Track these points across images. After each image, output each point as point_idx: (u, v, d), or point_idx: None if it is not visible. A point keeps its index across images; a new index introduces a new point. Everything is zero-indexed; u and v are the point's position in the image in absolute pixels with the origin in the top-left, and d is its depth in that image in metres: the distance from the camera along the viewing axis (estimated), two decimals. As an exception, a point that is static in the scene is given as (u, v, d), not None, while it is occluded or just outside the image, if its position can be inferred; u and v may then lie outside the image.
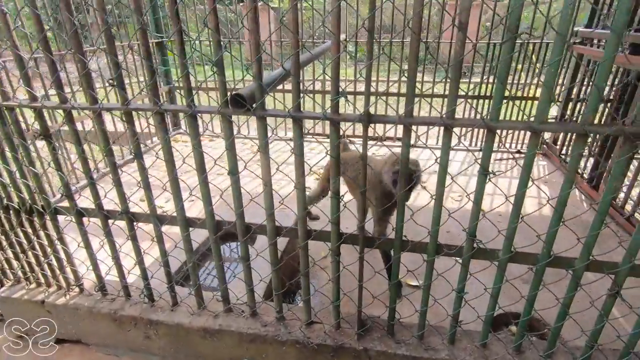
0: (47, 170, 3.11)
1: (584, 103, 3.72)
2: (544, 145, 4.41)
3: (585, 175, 3.65)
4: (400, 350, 1.67)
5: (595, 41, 3.45)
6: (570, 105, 3.88)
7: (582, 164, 3.83)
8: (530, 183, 1.28)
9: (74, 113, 1.56)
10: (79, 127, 3.65)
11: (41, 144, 1.73)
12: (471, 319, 1.72)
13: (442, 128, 1.26)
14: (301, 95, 1.30)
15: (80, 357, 2.08)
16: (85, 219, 1.78)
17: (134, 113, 1.49)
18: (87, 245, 1.82)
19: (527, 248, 1.42)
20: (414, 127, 1.29)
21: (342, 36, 4.26)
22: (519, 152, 4.59)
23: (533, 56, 4.24)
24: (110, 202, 1.71)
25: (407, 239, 1.49)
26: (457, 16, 1.11)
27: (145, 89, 1.37)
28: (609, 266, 1.36)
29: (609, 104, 3.38)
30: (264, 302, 1.92)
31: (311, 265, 1.64)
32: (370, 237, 1.54)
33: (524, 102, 4.47)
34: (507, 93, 4.39)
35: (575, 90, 3.84)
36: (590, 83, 3.64)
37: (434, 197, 1.37)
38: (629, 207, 2.96)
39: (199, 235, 2.63)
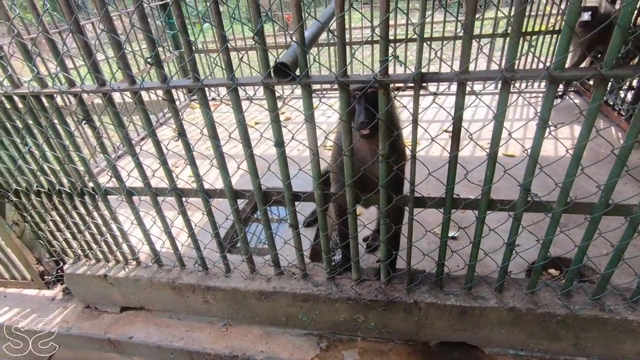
0: (93, 154, 3.16)
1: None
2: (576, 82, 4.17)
3: (622, 112, 3.48)
4: (450, 301, 1.74)
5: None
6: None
7: (618, 100, 3.63)
8: (594, 134, 1.23)
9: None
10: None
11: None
12: (515, 268, 1.76)
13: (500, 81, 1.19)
14: (348, 59, 1.24)
15: (145, 321, 2.26)
16: (135, 198, 1.84)
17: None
18: (140, 222, 1.89)
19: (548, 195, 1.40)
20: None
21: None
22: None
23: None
24: (134, 179, 1.74)
25: (458, 196, 1.49)
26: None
27: (185, 63, 1.31)
28: (671, 211, 1.34)
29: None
30: (314, 264, 2.00)
31: (360, 230, 1.67)
32: (421, 198, 1.54)
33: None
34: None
35: None
36: None
37: (488, 155, 1.34)
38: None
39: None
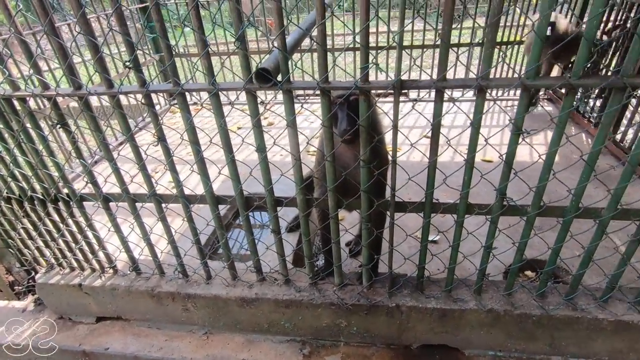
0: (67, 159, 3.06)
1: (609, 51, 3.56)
2: (549, 90, 4.35)
3: (592, 119, 3.64)
4: (431, 304, 1.76)
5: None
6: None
7: (587, 107, 3.81)
8: (564, 140, 1.28)
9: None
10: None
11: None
12: (493, 271, 1.81)
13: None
14: (329, 66, 1.25)
15: (122, 331, 2.19)
16: (112, 204, 1.79)
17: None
18: (118, 229, 1.84)
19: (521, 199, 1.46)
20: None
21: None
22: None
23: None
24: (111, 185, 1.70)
25: (438, 200, 1.52)
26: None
27: (165, 68, 1.30)
28: (636, 213, 1.41)
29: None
30: (296, 270, 1.99)
31: (342, 235, 1.68)
32: (401, 202, 1.56)
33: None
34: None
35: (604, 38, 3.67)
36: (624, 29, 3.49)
37: (466, 160, 1.38)
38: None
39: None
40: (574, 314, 1.65)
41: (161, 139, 1.50)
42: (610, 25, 3.61)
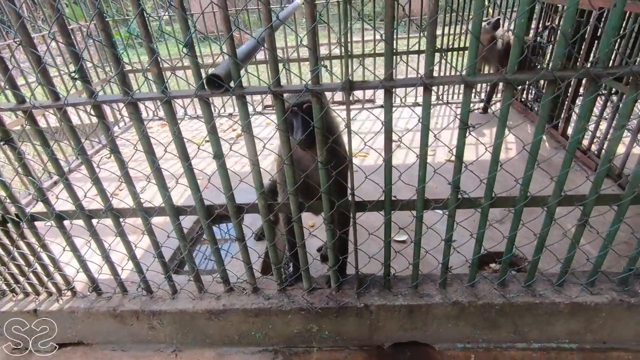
0: (12, 176, 2.90)
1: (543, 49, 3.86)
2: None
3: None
4: (398, 301, 1.79)
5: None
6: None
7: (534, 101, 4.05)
8: (507, 132, 1.35)
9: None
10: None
11: None
12: (458, 263, 1.86)
13: (421, 88, 1.29)
14: (280, 69, 1.28)
15: (84, 357, 2.08)
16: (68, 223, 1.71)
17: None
18: (74, 249, 1.77)
19: (502, 192, 1.53)
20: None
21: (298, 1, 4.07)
22: (482, 100, 4.73)
23: (495, 4, 4.29)
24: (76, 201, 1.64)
25: (396, 198, 1.56)
26: (429, -27, 1.11)
27: (114, 76, 1.29)
28: (578, 199, 1.50)
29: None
30: (264, 278, 1.97)
31: (307, 237, 1.69)
32: (361, 202, 1.59)
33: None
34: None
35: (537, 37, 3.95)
36: (552, 28, 3.76)
37: (418, 155, 1.42)
38: (584, 141, 3.20)
39: (187, 221, 2.61)
40: (534, 300, 1.72)
41: (114, 150, 1.46)
42: (540, 26, 3.90)
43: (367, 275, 1.88)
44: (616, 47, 3.04)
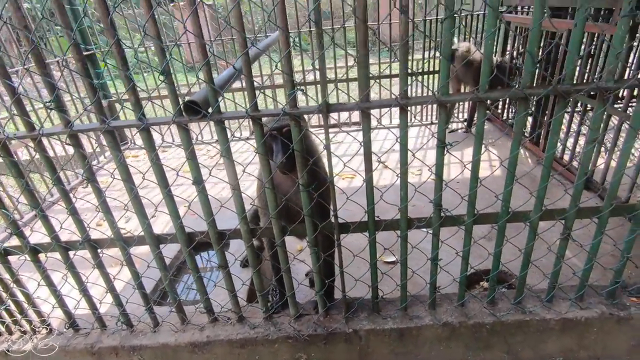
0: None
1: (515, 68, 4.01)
2: (487, 110, 4.71)
3: (527, 134, 3.96)
4: (388, 325, 1.74)
5: (519, 8, 3.72)
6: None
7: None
8: (483, 149, 1.37)
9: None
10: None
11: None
12: (447, 283, 1.83)
13: (397, 108, 1.31)
14: (257, 93, 1.29)
15: (61, 400, 1.95)
16: (41, 255, 1.65)
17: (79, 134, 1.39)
18: (49, 283, 1.70)
19: (487, 208, 1.54)
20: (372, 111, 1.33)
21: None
22: (465, 120, 4.85)
23: (465, 27, 4.49)
24: (64, 231, 1.60)
25: (380, 218, 1.55)
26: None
27: (90, 105, 1.28)
28: (559, 212, 1.51)
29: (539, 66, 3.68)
30: (249, 306, 1.91)
31: (291, 262, 1.66)
32: (344, 224, 1.58)
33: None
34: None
35: (508, 56, 4.13)
36: (521, 49, 3.93)
37: (398, 175, 1.43)
38: (566, 157, 3.27)
39: (170, 250, 2.54)
40: (524, 317, 1.69)
41: (90, 179, 1.44)
42: (515, 48, 4.08)
43: (355, 299, 1.84)
44: (587, 65, 3.17)
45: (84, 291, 1.73)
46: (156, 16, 1.22)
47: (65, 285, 1.78)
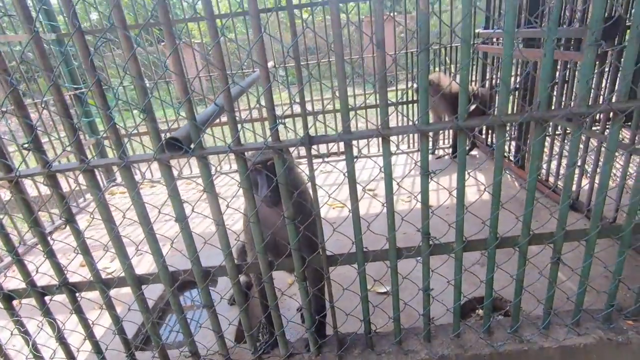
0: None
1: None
2: (472, 137, 4.82)
3: (512, 157, 4.03)
4: (383, 361, 1.66)
5: (495, 39, 3.90)
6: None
7: (506, 147, 4.24)
8: (467, 176, 1.38)
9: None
10: (-6, 198, 3.24)
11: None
12: (441, 313, 1.78)
13: (380, 138, 1.32)
14: (239, 127, 1.29)
15: None
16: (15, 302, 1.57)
17: (58, 175, 1.36)
18: (24, 332, 1.60)
19: (478, 234, 1.52)
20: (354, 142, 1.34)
21: (270, 63, 4.31)
22: (451, 147, 4.94)
23: (446, 59, 4.68)
24: (43, 276, 1.53)
25: (368, 249, 1.52)
26: (374, 35, 1.19)
27: (69, 146, 1.27)
28: (547, 237, 1.50)
29: (516, 93, 3.82)
30: (237, 347, 1.82)
31: (281, 297, 1.60)
32: (332, 256, 1.54)
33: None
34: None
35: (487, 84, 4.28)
36: (496, 78, 4.09)
37: (384, 205, 1.42)
38: (551, 179, 3.32)
39: (154, 291, 2.45)
40: (522, 347, 1.64)
41: (69, 220, 1.39)
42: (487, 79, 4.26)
43: (348, 334, 1.76)
44: (563, 91, 3.29)
45: (61, 339, 1.63)
46: (144, 54, 1.24)
47: (41, 334, 1.68)
